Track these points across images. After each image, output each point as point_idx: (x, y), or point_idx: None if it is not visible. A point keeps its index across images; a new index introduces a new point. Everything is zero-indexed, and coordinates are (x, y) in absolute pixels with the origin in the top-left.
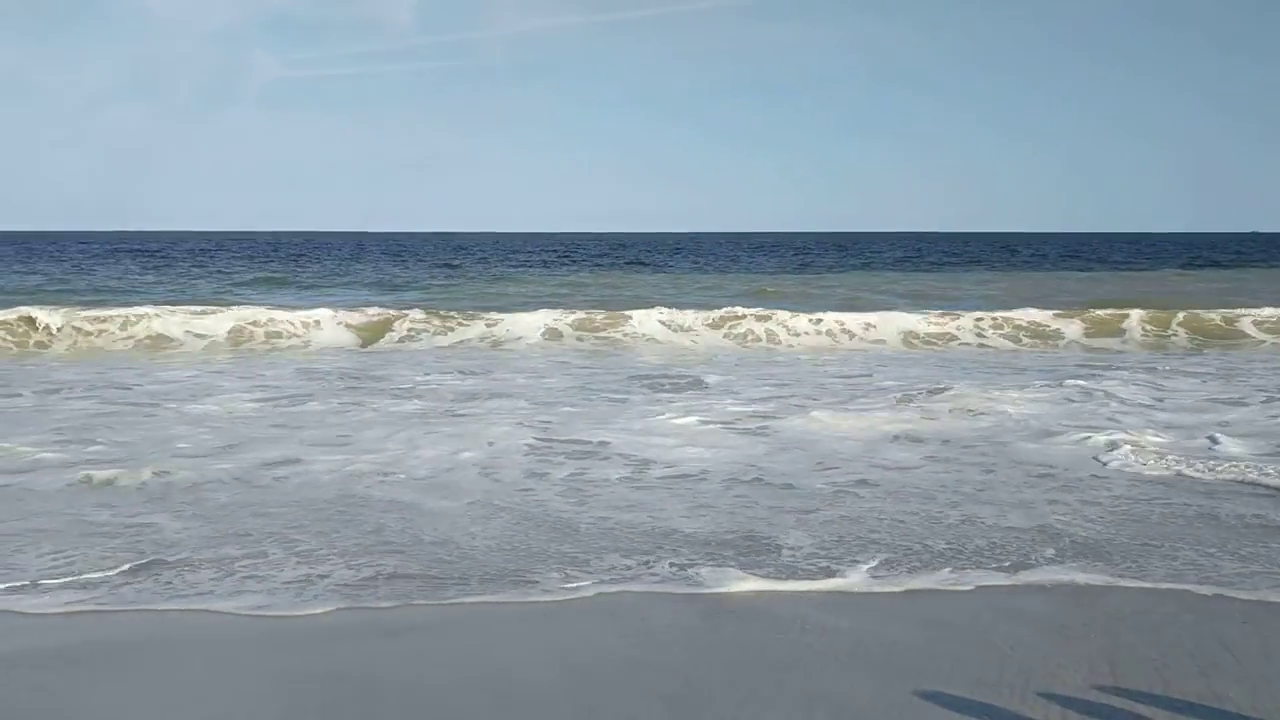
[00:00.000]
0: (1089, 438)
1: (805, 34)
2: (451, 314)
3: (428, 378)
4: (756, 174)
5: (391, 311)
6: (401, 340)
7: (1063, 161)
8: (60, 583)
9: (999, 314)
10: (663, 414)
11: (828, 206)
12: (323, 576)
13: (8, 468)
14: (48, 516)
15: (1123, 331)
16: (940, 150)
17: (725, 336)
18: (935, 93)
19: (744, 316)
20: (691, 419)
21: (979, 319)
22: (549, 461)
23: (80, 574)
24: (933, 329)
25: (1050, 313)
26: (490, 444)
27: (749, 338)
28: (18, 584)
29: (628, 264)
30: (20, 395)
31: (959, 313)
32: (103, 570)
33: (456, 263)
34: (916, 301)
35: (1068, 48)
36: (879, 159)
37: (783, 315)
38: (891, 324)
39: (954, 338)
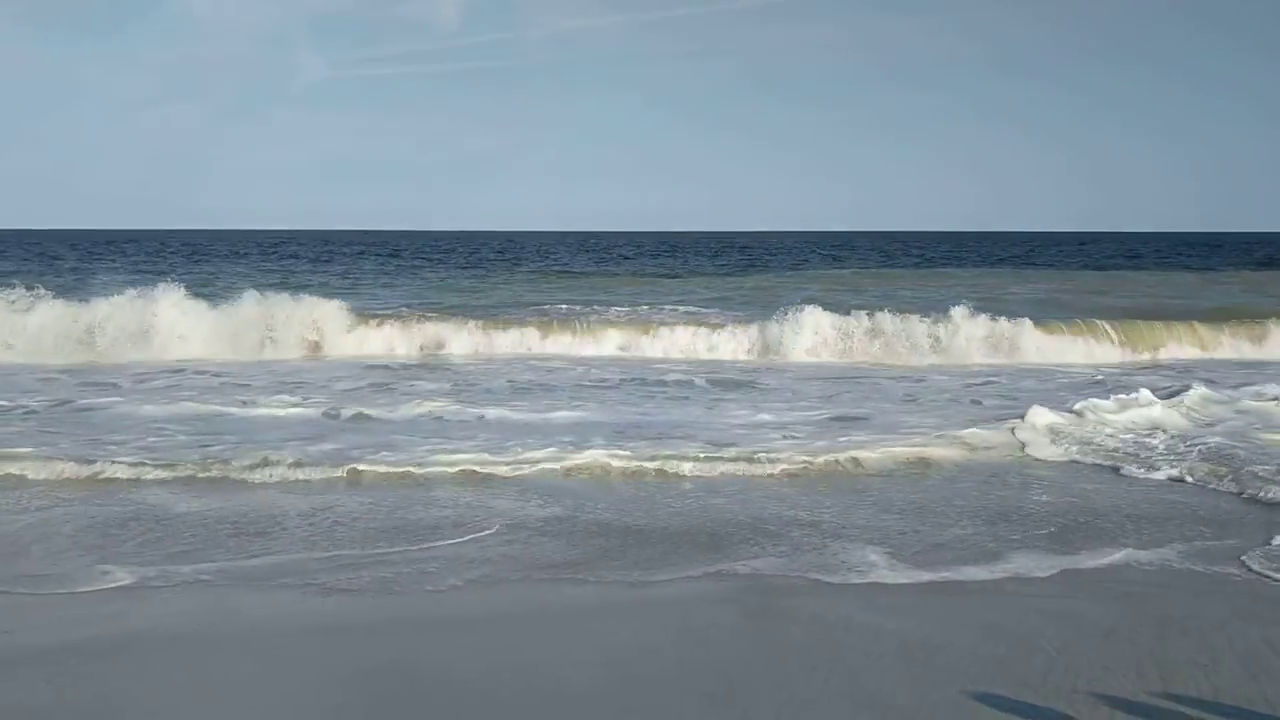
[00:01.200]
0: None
1: (843, 36)
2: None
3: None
4: (786, 172)
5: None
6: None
7: (1076, 159)
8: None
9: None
10: None
11: (853, 205)
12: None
13: None
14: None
15: None
16: (959, 150)
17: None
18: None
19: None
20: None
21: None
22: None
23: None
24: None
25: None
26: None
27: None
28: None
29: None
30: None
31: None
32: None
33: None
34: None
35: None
36: (905, 159)
37: None
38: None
39: None
